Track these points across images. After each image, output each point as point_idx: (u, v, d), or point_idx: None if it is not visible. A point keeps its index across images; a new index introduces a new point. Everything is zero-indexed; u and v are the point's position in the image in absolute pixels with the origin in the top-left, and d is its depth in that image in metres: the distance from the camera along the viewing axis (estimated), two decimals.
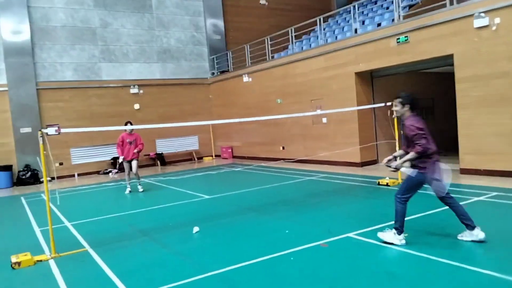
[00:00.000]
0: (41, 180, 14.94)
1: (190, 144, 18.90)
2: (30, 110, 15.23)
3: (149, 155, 17.65)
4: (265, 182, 10.92)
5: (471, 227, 4.90)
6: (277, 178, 11.57)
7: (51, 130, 5.72)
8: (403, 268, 4.41)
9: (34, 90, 15.40)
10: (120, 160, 10.76)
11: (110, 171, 16.17)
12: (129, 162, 10.78)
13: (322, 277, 4.25)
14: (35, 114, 15.33)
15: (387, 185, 8.86)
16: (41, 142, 5.62)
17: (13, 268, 5.25)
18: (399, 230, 5.01)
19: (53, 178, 15.21)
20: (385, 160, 5.40)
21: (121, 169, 16.28)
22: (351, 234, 5.58)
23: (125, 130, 10.66)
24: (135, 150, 10.67)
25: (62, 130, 5.87)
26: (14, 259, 5.36)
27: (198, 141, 19.18)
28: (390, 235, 5.07)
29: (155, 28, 18.13)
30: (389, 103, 9.17)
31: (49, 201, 5.86)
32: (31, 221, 8.24)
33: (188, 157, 18.78)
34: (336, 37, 14.20)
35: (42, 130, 5.68)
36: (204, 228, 6.58)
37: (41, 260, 5.47)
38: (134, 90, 17.38)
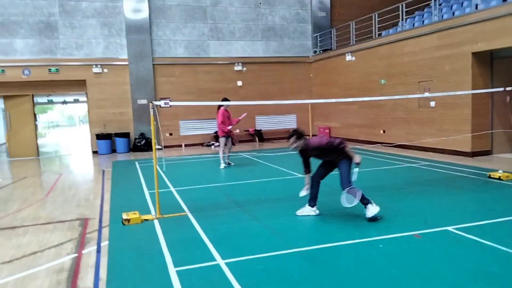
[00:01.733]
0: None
1: (289, 122, 19.07)
2: (146, 84, 16.74)
3: (248, 130, 18.27)
4: (362, 166, 10.58)
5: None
6: (375, 162, 11.16)
7: (161, 103, 6.25)
8: (505, 269, 3.98)
9: (151, 65, 16.84)
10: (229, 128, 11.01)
11: (213, 144, 17.17)
12: (227, 138, 11.17)
13: (410, 268, 4.07)
14: (150, 87, 16.82)
15: (499, 178, 7.99)
16: (152, 113, 6.17)
17: (123, 224, 5.97)
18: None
19: (163, 147, 16.77)
20: None
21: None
22: (450, 228, 5.20)
23: (225, 107, 10.99)
24: (230, 127, 11.04)
25: (172, 103, 6.36)
26: (125, 216, 6.08)
27: (296, 120, 19.26)
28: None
29: (261, 6, 18.38)
30: (509, 88, 8.19)
31: (157, 168, 6.47)
32: (142, 184, 9.19)
33: (285, 135, 18.96)
34: (453, 13, 12.91)
35: (153, 102, 6.21)
36: (293, 206, 6.67)
37: (147, 219, 6.12)
38: (238, 68, 17.99)
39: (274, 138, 18.80)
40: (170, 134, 17.28)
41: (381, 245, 4.73)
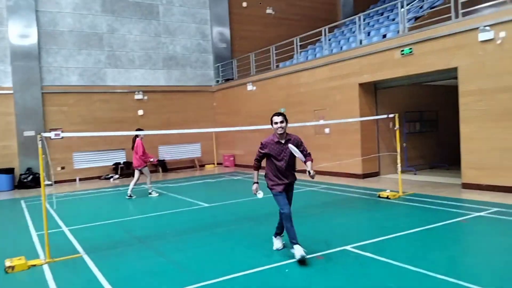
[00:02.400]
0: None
1: (193, 151, 18.87)
2: (34, 114, 15.30)
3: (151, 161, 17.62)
4: (265, 192, 10.81)
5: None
6: None
7: (52, 134, 5.71)
8: (400, 284, 4.29)
9: (39, 94, 15.48)
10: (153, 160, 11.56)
11: (112, 177, 16.18)
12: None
13: None
14: (39, 118, 15.40)
15: (387, 197, 8.76)
16: (40, 146, 5.59)
17: (6, 272, 5.21)
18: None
19: (54, 182, 15.31)
20: None
21: (124, 175, 16.30)
22: (348, 247, 5.50)
23: (141, 137, 11.09)
24: (136, 156, 11.03)
25: (63, 134, 5.85)
26: (8, 263, 5.32)
27: (201, 149, 19.16)
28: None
29: (162, 35, 18.24)
30: (391, 115, 9.14)
31: (46, 205, 5.84)
32: (29, 225, 8.21)
33: (190, 164, 18.75)
34: (341, 47, 14.20)
35: (42, 133, 5.64)
36: (202, 236, 6.53)
37: (35, 265, 5.43)
38: (138, 96, 17.44)
39: (178, 167, 18.40)
40: (62, 168, 15.88)
41: (287, 270, 4.80)
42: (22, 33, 15.19)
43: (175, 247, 6.05)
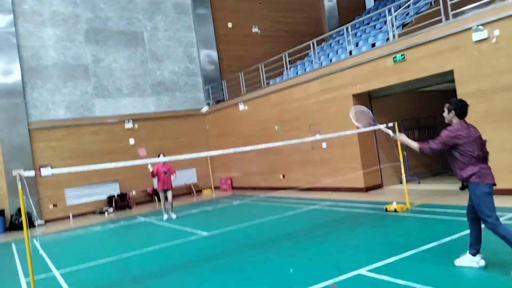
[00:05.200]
0: (34, 224, 14.37)
1: (188, 177, 18.37)
2: (22, 152, 14.82)
3: (146, 191, 17.12)
4: (266, 214, 10.38)
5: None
6: (278, 209, 11.03)
7: (28, 173, 5.27)
8: None
9: (26, 131, 15.06)
10: (150, 169, 11.19)
11: (106, 210, 15.63)
12: (165, 191, 11.53)
13: None
14: (27, 155, 14.92)
15: (395, 211, 8.33)
16: (19, 186, 5.15)
17: None
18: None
19: (45, 222, 14.74)
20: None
21: (119, 207, 15.74)
22: (362, 271, 5.04)
23: (160, 162, 11.25)
24: (173, 177, 11.46)
25: (51, 171, 5.42)
26: None
27: (196, 174, 18.69)
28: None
29: (148, 61, 17.99)
30: (390, 124, 8.78)
31: (30, 247, 5.37)
32: (19, 271, 7.68)
33: (186, 191, 18.23)
34: (330, 60, 13.98)
35: (19, 172, 5.20)
36: (202, 271, 6.04)
37: None
38: (129, 125, 17.04)
39: (175, 195, 17.82)
40: (55, 206, 15.33)
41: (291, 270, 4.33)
42: (4, 70, 14.86)
43: (172, 286, 5.56)
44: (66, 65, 16.18)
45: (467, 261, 4.69)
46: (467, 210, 4.73)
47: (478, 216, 4.53)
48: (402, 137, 5.16)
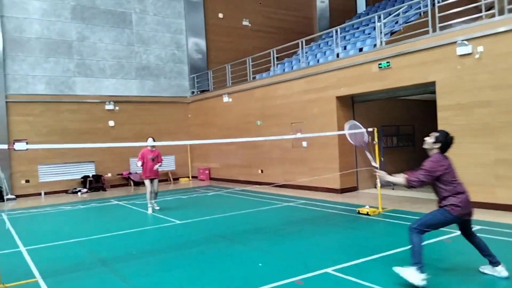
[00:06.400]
0: (5, 198, 14.05)
1: (166, 164, 18.24)
2: None
3: (121, 174, 16.94)
4: (241, 207, 10.43)
5: (493, 262, 4.66)
6: (254, 203, 11.09)
7: (1, 146, 5.14)
8: None
9: (3, 103, 14.66)
10: (139, 164, 10.22)
11: (79, 191, 15.40)
12: (152, 180, 10.35)
13: None
14: (3, 128, 14.51)
15: (367, 214, 8.49)
16: None
17: None
18: (420, 266, 4.40)
19: (16, 197, 14.43)
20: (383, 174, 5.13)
21: (93, 189, 15.53)
22: (329, 270, 5.14)
23: (148, 147, 10.26)
24: (157, 166, 10.24)
25: (27, 146, 5.31)
26: None
27: (175, 161, 18.58)
28: (410, 272, 4.42)
29: (135, 44, 17.72)
30: (370, 129, 8.91)
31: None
32: None
33: (163, 178, 18.11)
34: (318, 60, 14.06)
35: None
36: (170, 258, 6.04)
37: None
38: (109, 107, 16.78)
39: None
40: (27, 181, 15.00)
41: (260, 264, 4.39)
42: None
43: (140, 271, 5.55)
44: (50, 40, 15.79)
45: (490, 271, 4.70)
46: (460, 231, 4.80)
47: (468, 231, 4.71)
48: (387, 178, 4.94)
